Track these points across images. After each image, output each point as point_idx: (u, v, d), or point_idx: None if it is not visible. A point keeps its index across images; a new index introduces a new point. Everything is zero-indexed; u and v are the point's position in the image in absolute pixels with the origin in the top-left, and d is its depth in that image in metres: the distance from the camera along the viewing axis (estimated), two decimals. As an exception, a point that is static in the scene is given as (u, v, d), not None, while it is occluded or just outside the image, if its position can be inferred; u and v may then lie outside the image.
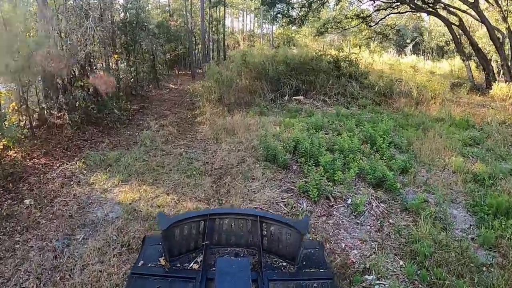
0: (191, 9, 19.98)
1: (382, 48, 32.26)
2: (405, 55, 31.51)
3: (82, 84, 8.79)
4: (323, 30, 26.28)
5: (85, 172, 6.77)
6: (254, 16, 50.89)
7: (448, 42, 28.70)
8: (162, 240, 2.45)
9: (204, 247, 2.50)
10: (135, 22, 12.61)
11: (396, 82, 14.54)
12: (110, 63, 11.90)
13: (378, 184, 6.09)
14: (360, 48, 29.20)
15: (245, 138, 8.12)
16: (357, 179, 6.27)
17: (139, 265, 2.45)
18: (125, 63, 13.38)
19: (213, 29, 24.69)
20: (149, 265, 2.43)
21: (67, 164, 7.01)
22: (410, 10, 21.23)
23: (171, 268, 2.40)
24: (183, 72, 22.46)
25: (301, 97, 12.28)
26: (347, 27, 26.11)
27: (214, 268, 2.28)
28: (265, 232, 2.63)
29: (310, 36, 35.52)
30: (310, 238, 4.55)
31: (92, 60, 9.80)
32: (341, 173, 5.99)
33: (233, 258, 2.46)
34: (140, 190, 5.92)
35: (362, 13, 23.79)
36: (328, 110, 11.62)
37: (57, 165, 7.00)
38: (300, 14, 24.34)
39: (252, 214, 2.85)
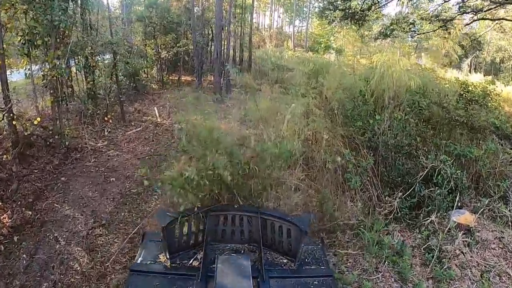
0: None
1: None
2: (460, 71, 24.36)
3: None
4: (387, 32, 19.55)
5: None
6: (284, 11, 42.65)
7: (504, 59, 23.80)
8: (162, 237, 2.32)
9: (204, 243, 2.38)
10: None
11: None
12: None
13: None
14: (409, 59, 22.39)
15: None
16: None
17: (138, 262, 2.36)
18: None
19: (236, 17, 16.79)
20: (149, 262, 2.34)
21: None
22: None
23: (171, 265, 2.30)
24: (189, 79, 14.73)
25: (466, 213, 4.37)
26: (419, 31, 20.07)
27: (214, 265, 2.19)
28: (266, 229, 2.48)
29: (347, 39, 27.31)
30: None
31: None
32: None
33: (233, 255, 2.39)
34: None
35: (441, 15, 16.92)
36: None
37: None
38: (362, 7, 17.79)
39: (253, 210, 2.63)
